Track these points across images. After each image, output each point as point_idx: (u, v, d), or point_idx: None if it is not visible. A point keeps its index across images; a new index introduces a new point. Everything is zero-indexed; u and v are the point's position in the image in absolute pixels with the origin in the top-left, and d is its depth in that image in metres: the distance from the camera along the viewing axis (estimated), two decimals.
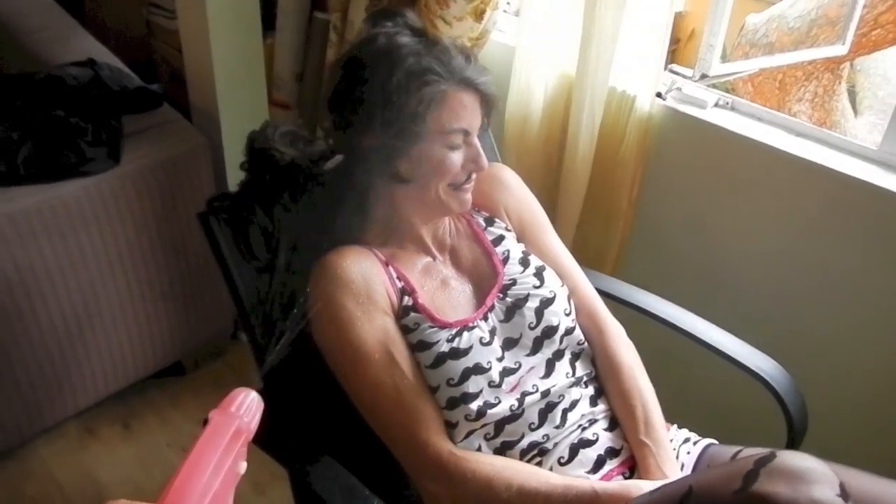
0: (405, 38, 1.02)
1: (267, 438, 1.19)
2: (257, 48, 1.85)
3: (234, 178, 1.60)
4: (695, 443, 1.10)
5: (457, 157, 1.03)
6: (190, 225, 1.71)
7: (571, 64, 1.48)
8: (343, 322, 0.98)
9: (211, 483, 0.36)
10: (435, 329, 1.00)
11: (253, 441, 1.18)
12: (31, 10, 2.12)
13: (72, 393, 1.73)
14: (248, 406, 0.40)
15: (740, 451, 1.03)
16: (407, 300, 1.03)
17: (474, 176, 1.07)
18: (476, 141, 1.06)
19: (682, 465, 1.06)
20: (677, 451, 1.08)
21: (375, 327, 0.98)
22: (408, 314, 1.02)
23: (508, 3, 1.82)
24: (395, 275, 1.05)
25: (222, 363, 2.04)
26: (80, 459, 1.78)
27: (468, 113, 1.03)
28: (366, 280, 1.01)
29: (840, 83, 2.55)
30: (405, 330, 1.01)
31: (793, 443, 1.14)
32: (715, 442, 1.11)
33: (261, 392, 1.17)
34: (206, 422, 0.39)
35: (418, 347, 1.00)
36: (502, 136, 1.60)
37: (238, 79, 1.82)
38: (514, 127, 1.58)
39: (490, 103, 1.07)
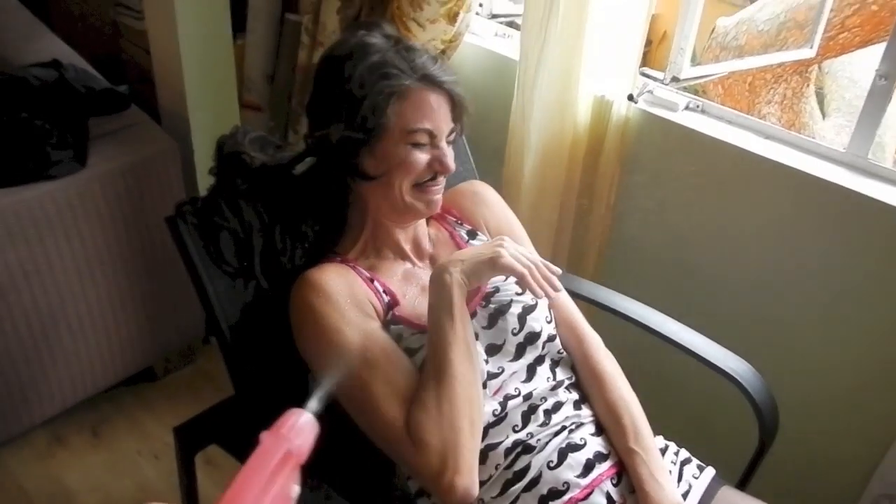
0: (374, 39, 1.04)
1: (242, 446, 1.18)
2: (227, 49, 1.83)
3: (205, 181, 1.58)
4: (699, 468, 1.11)
5: (421, 156, 1.03)
6: (159, 229, 1.67)
7: (560, 73, 1.48)
8: (327, 329, 0.98)
9: (263, 502, 0.35)
10: (418, 335, 1.01)
11: (224, 447, 1.17)
12: None
13: (38, 401, 1.69)
14: (300, 428, 0.39)
15: None
16: (389, 314, 1.03)
17: (441, 179, 1.07)
18: (443, 145, 1.05)
19: (689, 487, 1.07)
20: (679, 471, 1.08)
21: (360, 330, 0.98)
22: (389, 327, 1.02)
23: (481, 6, 1.82)
24: (381, 289, 1.05)
25: (194, 368, 2.02)
26: (48, 468, 1.74)
27: (434, 114, 1.03)
28: (349, 289, 1.01)
29: (808, 86, 2.59)
30: (396, 340, 1.01)
31: (764, 442, 1.16)
32: (713, 470, 1.11)
33: (234, 398, 1.16)
34: (257, 442, 0.38)
35: (406, 355, 1.00)
36: (506, 153, 1.60)
37: (208, 80, 1.80)
38: (520, 141, 1.57)
39: (459, 108, 1.06)
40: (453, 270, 0.97)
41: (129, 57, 2.43)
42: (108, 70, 1.84)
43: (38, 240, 1.53)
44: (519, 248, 0.99)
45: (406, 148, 1.02)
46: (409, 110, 1.01)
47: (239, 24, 1.92)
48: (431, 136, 1.03)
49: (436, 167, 1.05)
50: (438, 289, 0.97)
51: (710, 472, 1.11)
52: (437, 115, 1.03)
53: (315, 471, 0.91)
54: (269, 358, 1.13)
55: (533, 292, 0.96)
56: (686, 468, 1.10)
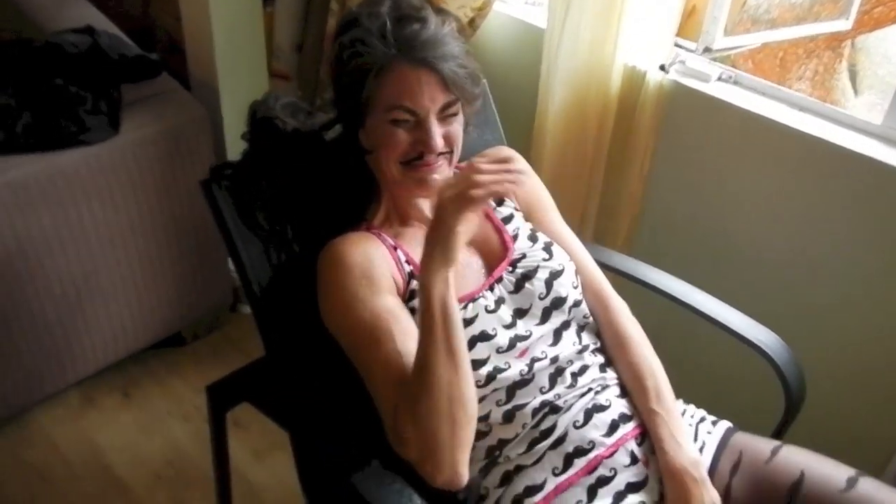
0: (373, 9, 1.01)
1: (273, 405, 1.21)
2: (257, 18, 1.84)
3: (234, 148, 1.60)
4: (713, 423, 1.11)
5: (402, 134, 1.00)
6: (190, 195, 1.71)
7: (589, 41, 1.47)
8: (345, 304, 0.99)
9: None
10: None
11: (256, 405, 1.19)
12: None
13: (72, 361, 1.73)
14: None
15: (779, 447, 1.04)
16: (414, 283, 1.03)
17: (431, 158, 1.02)
18: (431, 122, 1.00)
19: (703, 444, 1.07)
20: (696, 430, 1.09)
21: (376, 306, 0.98)
22: (414, 298, 1.02)
23: None
24: (403, 258, 1.06)
25: (221, 335, 2.05)
26: (80, 426, 1.79)
27: (415, 91, 0.98)
28: (369, 263, 1.01)
29: (841, 61, 2.55)
30: (414, 312, 1.01)
31: (790, 413, 1.16)
32: (731, 425, 1.12)
33: (265, 360, 1.18)
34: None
35: None
36: (535, 123, 1.59)
37: (237, 49, 1.81)
38: (546, 111, 1.56)
39: (454, 83, 1.00)
40: (424, 273, 0.90)
41: (159, 25, 2.45)
42: (139, 38, 1.85)
43: (72, 204, 1.56)
44: (468, 176, 0.88)
45: (387, 125, 1.00)
46: (387, 86, 0.99)
47: None
48: (413, 113, 1.00)
49: (419, 147, 1.01)
50: (419, 293, 0.91)
51: (723, 424, 1.11)
52: (420, 92, 0.98)
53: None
54: (299, 320, 1.14)
55: (505, 193, 0.91)
56: (701, 426, 1.10)
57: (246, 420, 1.67)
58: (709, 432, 1.09)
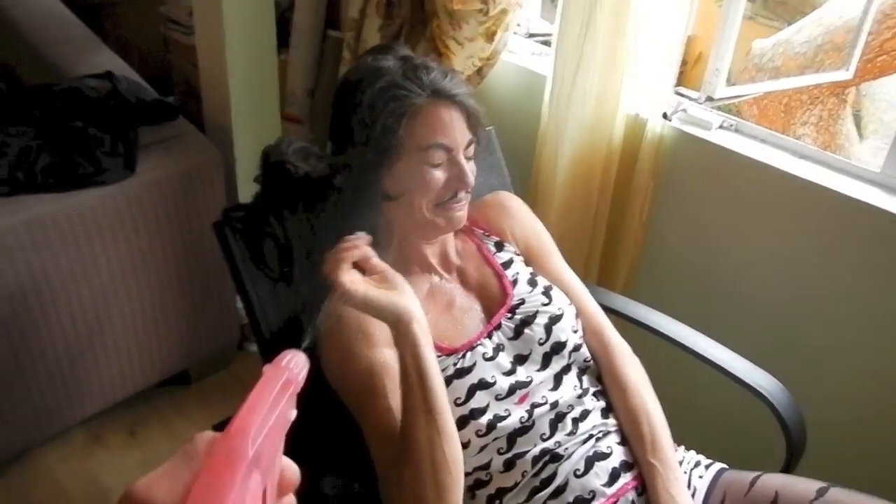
0: (385, 62, 1.05)
1: None
2: (272, 64, 1.89)
3: (246, 191, 1.63)
4: (706, 467, 1.11)
5: (438, 174, 1.03)
6: (202, 236, 1.74)
7: (596, 91, 1.51)
8: (340, 358, 1.00)
9: (267, 419, 0.44)
10: (442, 357, 1.02)
11: None
12: (51, 23, 2.17)
13: (79, 400, 1.75)
14: (296, 362, 0.48)
15: (758, 476, 1.04)
16: None
17: (462, 195, 1.06)
18: (461, 159, 1.04)
19: (695, 490, 1.07)
20: (689, 476, 1.08)
21: (371, 361, 0.98)
22: None
23: (519, 25, 1.86)
24: None
25: (228, 373, 2.06)
26: (85, 466, 1.79)
27: (448, 129, 1.03)
28: (364, 315, 1.00)
29: (845, 107, 2.58)
30: None
31: (791, 458, 1.16)
32: (726, 466, 1.11)
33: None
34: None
35: None
36: (539, 168, 1.63)
37: (252, 93, 1.86)
38: (546, 156, 1.60)
39: (475, 119, 1.06)
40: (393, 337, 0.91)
41: (177, 71, 2.52)
42: (157, 84, 1.91)
43: (86, 243, 1.59)
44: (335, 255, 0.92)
45: (423, 168, 1.03)
46: (421, 127, 1.02)
47: (283, 39, 1.98)
48: (448, 150, 1.03)
49: (454, 184, 1.04)
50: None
51: (715, 467, 1.11)
52: (452, 129, 1.03)
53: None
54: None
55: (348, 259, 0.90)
56: (694, 472, 1.10)
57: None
58: (700, 476, 1.09)
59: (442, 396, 0.91)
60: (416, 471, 0.88)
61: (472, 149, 1.07)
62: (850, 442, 1.46)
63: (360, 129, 1.03)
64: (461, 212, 1.07)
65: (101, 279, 1.65)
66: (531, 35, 1.87)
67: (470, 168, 1.06)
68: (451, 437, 0.90)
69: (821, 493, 0.97)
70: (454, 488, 0.89)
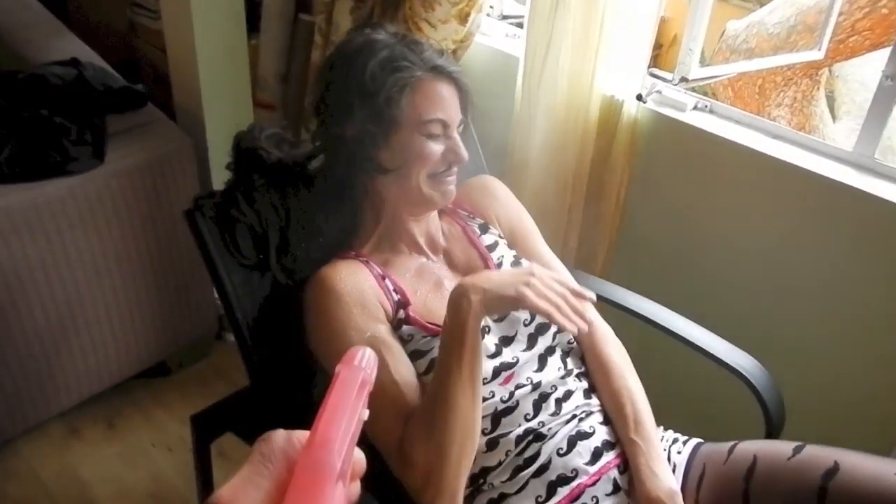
0: (380, 36, 1.07)
1: (254, 433, 1.20)
2: (242, 49, 1.86)
3: (219, 178, 1.61)
4: (684, 442, 1.12)
5: (436, 147, 1.06)
6: (175, 225, 1.72)
7: (568, 72, 1.50)
8: (337, 332, 1.00)
9: (349, 425, 0.43)
10: (428, 338, 1.02)
11: (240, 436, 1.19)
12: (13, 8, 2.11)
13: (55, 393, 1.72)
14: (368, 359, 0.47)
15: (735, 444, 1.05)
16: (401, 313, 1.05)
17: (455, 169, 1.10)
18: (455, 134, 1.08)
19: (674, 465, 1.08)
20: (668, 452, 1.10)
21: (367, 335, 0.99)
22: (401, 327, 1.04)
23: (492, 7, 1.85)
24: (391, 287, 1.07)
25: (207, 363, 2.04)
26: (64, 459, 1.77)
27: (445, 104, 1.06)
28: (359, 291, 1.03)
29: (818, 89, 2.60)
30: (401, 341, 1.03)
31: (771, 435, 1.17)
32: (702, 440, 1.13)
33: (249, 389, 1.18)
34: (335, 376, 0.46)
35: (413, 356, 1.02)
36: (512, 150, 1.62)
37: (222, 79, 1.83)
38: (520, 139, 1.60)
39: (466, 97, 1.10)
40: (473, 299, 0.91)
41: (144, 57, 2.47)
42: (124, 71, 1.87)
43: (56, 234, 1.56)
44: (549, 276, 0.94)
45: (421, 139, 1.05)
46: (421, 101, 1.04)
47: (253, 24, 1.95)
48: (444, 125, 1.06)
49: (450, 157, 1.08)
50: (454, 314, 0.93)
51: (692, 442, 1.12)
52: (449, 105, 1.06)
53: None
54: (284, 349, 1.15)
55: (561, 328, 0.90)
56: (673, 448, 1.11)
57: (231, 450, 1.66)
58: (678, 452, 1.10)
59: (482, 369, 0.96)
60: (448, 434, 0.91)
61: (461, 126, 1.11)
62: (828, 419, 1.49)
63: (359, 101, 1.04)
64: (452, 185, 1.11)
65: (73, 270, 1.62)
66: (504, 17, 1.86)
67: (462, 143, 1.09)
68: (480, 408, 0.96)
69: (797, 450, 0.98)
70: (471, 454, 0.94)
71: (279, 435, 0.44)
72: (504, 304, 0.93)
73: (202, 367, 2.03)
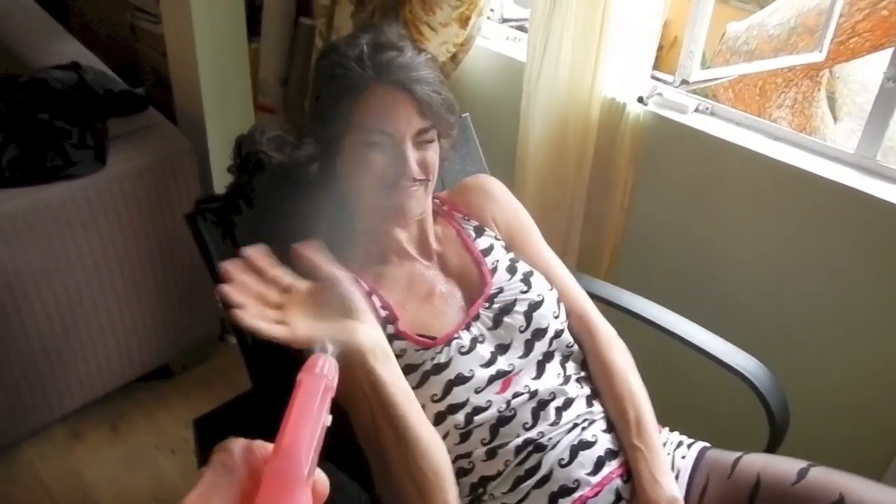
0: (350, 40, 1.04)
1: (257, 437, 1.21)
2: (243, 53, 1.86)
3: (220, 181, 1.61)
4: (689, 446, 1.11)
5: (379, 156, 1.01)
6: (176, 228, 1.72)
7: (570, 75, 1.50)
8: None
9: (314, 432, 0.43)
10: (420, 351, 1.00)
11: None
12: (14, 13, 2.12)
13: (58, 396, 1.72)
14: (329, 367, 0.47)
15: (740, 457, 1.04)
16: (389, 328, 1.02)
17: (409, 184, 1.03)
18: (406, 147, 1.01)
19: (678, 471, 1.07)
20: (672, 457, 1.08)
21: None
22: (391, 342, 1.00)
23: (493, 10, 1.85)
24: (378, 304, 1.04)
25: (209, 366, 2.04)
26: (67, 462, 1.77)
27: (390, 115, 1.00)
28: (352, 293, 1.01)
29: (819, 90, 2.60)
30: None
31: (774, 439, 1.17)
32: (708, 445, 1.12)
33: (252, 392, 1.18)
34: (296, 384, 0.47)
35: (405, 371, 0.98)
36: (517, 154, 1.62)
37: (223, 83, 1.83)
38: (526, 143, 1.59)
39: (428, 108, 1.01)
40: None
41: (145, 61, 2.48)
42: (125, 74, 1.87)
43: (58, 238, 1.57)
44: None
45: (362, 147, 1.02)
46: (362, 109, 1.00)
47: (253, 27, 1.95)
48: (389, 136, 1.01)
49: (396, 169, 1.01)
50: None
51: (697, 446, 1.10)
52: (395, 115, 1.00)
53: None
54: (286, 352, 1.15)
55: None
56: (677, 452, 1.09)
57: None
58: (683, 457, 1.08)
59: (407, 415, 0.89)
60: (399, 482, 0.89)
61: (429, 135, 1.04)
62: (832, 422, 1.49)
63: (314, 107, 1.05)
64: (409, 201, 1.04)
65: (75, 274, 1.62)
66: (505, 20, 1.86)
67: (422, 157, 1.03)
68: (426, 451, 0.89)
69: (802, 474, 0.96)
70: (438, 490, 0.89)
71: (238, 443, 0.44)
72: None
73: (205, 370, 2.03)
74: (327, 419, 0.45)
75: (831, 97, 2.85)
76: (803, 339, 1.48)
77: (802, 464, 0.98)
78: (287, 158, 1.15)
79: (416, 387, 0.99)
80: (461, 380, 1.00)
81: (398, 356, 0.99)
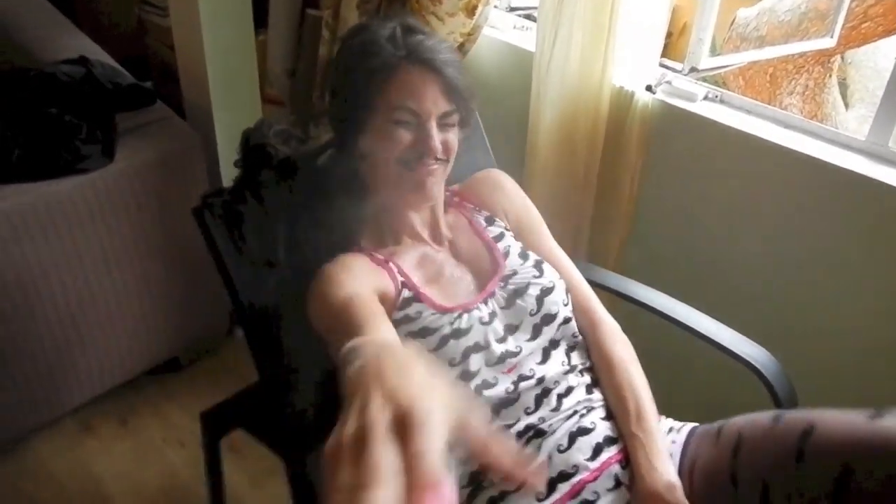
0: (378, 22, 1.07)
1: (264, 429, 1.21)
2: (250, 45, 1.86)
3: (228, 174, 1.61)
4: (678, 430, 1.11)
5: (404, 133, 1.04)
6: (185, 221, 1.70)
7: (579, 64, 1.49)
8: (322, 292, 1.01)
9: None
10: (437, 315, 1.02)
11: (250, 432, 1.20)
12: (22, 7, 2.12)
13: (68, 389, 1.74)
14: (450, 491, 0.42)
15: (723, 424, 1.03)
16: (407, 292, 1.05)
17: (430, 161, 1.06)
18: (430, 126, 1.04)
19: (671, 455, 1.06)
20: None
21: (349, 289, 0.99)
22: (409, 304, 1.04)
23: None
24: (395, 270, 1.07)
25: (218, 359, 2.05)
26: (77, 455, 1.79)
27: (418, 93, 1.03)
28: (358, 270, 1.04)
29: (830, 76, 2.57)
30: (407, 319, 1.02)
31: None
32: (697, 424, 1.11)
33: (260, 385, 1.18)
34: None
35: (421, 334, 1.01)
36: (527, 145, 1.61)
37: (231, 76, 1.83)
38: (536, 133, 1.58)
39: (454, 90, 1.05)
40: None
41: (153, 54, 2.48)
42: (134, 68, 1.87)
43: (67, 232, 1.57)
44: None
45: (389, 125, 1.04)
46: (391, 88, 1.03)
47: (261, 19, 1.95)
48: (415, 115, 1.04)
49: (420, 147, 1.05)
50: None
51: (686, 428, 1.10)
52: (423, 95, 1.03)
53: None
54: (293, 346, 1.15)
55: None
56: (668, 436, 1.09)
57: (243, 446, 1.67)
58: (673, 441, 1.08)
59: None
60: None
61: (453, 118, 1.07)
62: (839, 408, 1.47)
63: (339, 83, 1.07)
64: (429, 178, 1.07)
65: (84, 268, 1.63)
66: (512, 9, 1.85)
67: (444, 138, 1.06)
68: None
69: (777, 418, 0.96)
70: None
71: None
72: None
73: (213, 363, 2.04)
74: None
75: (843, 83, 2.81)
76: (811, 328, 1.47)
77: (779, 411, 0.98)
78: (294, 151, 1.16)
79: (435, 349, 1.00)
80: (478, 347, 1.01)
81: (414, 318, 1.02)
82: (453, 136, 1.08)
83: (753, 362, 1.16)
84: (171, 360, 1.96)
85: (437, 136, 1.05)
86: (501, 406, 1.02)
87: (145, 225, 1.70)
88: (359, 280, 1.02)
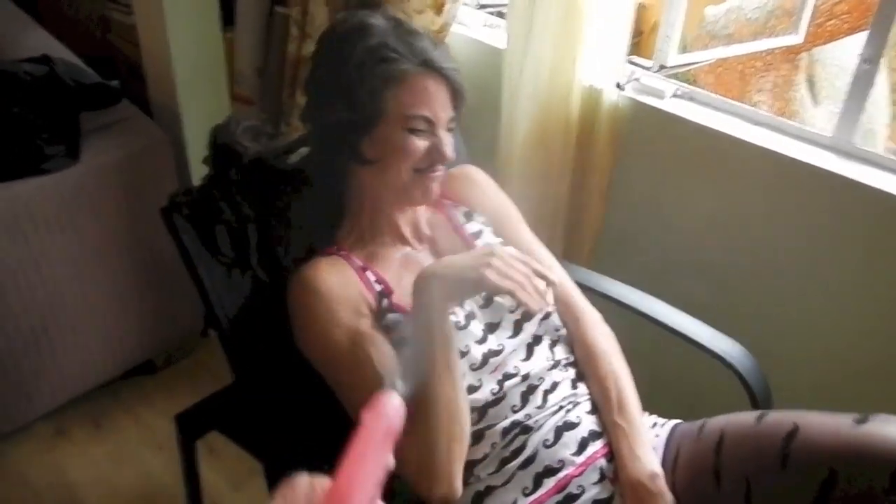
0: (375, 20, 1.04)
1: (242, 432, 1.20)
2: (217, 43, 1.84)
3: (198, 173, 1.59)
4: (662, 425, 1.12)
5: (420, 142, 1.03)
6: (154, 222, 1.67)
7: (550, 62, 1.49)
8: (322, 330, 1.00)
9: (373, 473, 0.44)
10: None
11: (225, 433, 1.18)
12: None
13: (39, 393, 1.70)
14: (394, 407, 0.47)
15: (706, 421, 1.05)
16: (385, 302, 1.04)
17: (439, 167, 1.07)
18: (442, 133, 1.05)
19: (654, 449, 1.07)
20: None
21: (353, 330, 0.99)
22: (386, 315, 1.03)
23: None
24: (372, 278, 1.06)
25: (193, 360, 2.03)
26: (51, 460, 1.76)
27: (432, 101, 1.03)
28: (340, 287, 1.02)
29: (798, 73, 2.61)
30: (387, 330, 1.02)
31: None
32: (680, 421, 1.13)
33: (235, 386, 1.18)
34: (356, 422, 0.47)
35: (399, 343, 1.00)
36: (501, 142, 1.61)
37: (198, 74, 1.81)
38: (510, 130, 1.58)
39: (459, 96, 1.07)
40: (435, 285, 0.92)
41: (119, 52, 2.43)
42: (98, 66, 1.84)
43: (34, 234, 1.54)
44: (510, 255, 0.92)
45: (404, 133, 1.03)
46: (407, 96, 1.01)
47: (228, 17, 1.92)
48: (429, 122, 1.03)
49: (434, 155, 1.05)
50: (419, 302, 0.93)
51: (669, 424, 1.11)
52: (436, 102, 1.03)
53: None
54: (267, 346, 1.14)
55: (523, 306, 0.89)
56: (651, 432, 1.10)
57: (221, 447, 1.65)
58: (657, 435, 1.09)
59: (458, 353, 0.96)
60: (433, 423, 0.91)
61: (454, 122, 1.08)
62: (815, 404, 1.48)
63: (344, 87, 1.02)
64: (435, 184, 1.08)
65: (53, 270, 1.60)
66: (482, 6, 1.85)
67: (449, 142, 1.06)
68: (463, 392, 0.95)
69: (760, 417, 0.98)
70: (462, 439, 0.94)
71: (302, 481, 0.44)
72: (466, 288, 0.92)
73: (189, 365, 2.02)
74: (389, 461, 0.44)
75: (811, 80, 2.85)
76: (785, 322, 1.49)
77: (763, 411, 1.00)
78: (263, 148, 1.14)
79: None
80: (458, 355, 1.00)
81: (391, 329, 1.01)
82: (453, 139, 1.09)
83: (728, 357, 1.17)
84: (145, 363, 1.93)
85: (450, 144, 1.06)
86: (488, 407, 1.01)
87: (114, 226, 1.67)
88: (347, 302, 1.01)
